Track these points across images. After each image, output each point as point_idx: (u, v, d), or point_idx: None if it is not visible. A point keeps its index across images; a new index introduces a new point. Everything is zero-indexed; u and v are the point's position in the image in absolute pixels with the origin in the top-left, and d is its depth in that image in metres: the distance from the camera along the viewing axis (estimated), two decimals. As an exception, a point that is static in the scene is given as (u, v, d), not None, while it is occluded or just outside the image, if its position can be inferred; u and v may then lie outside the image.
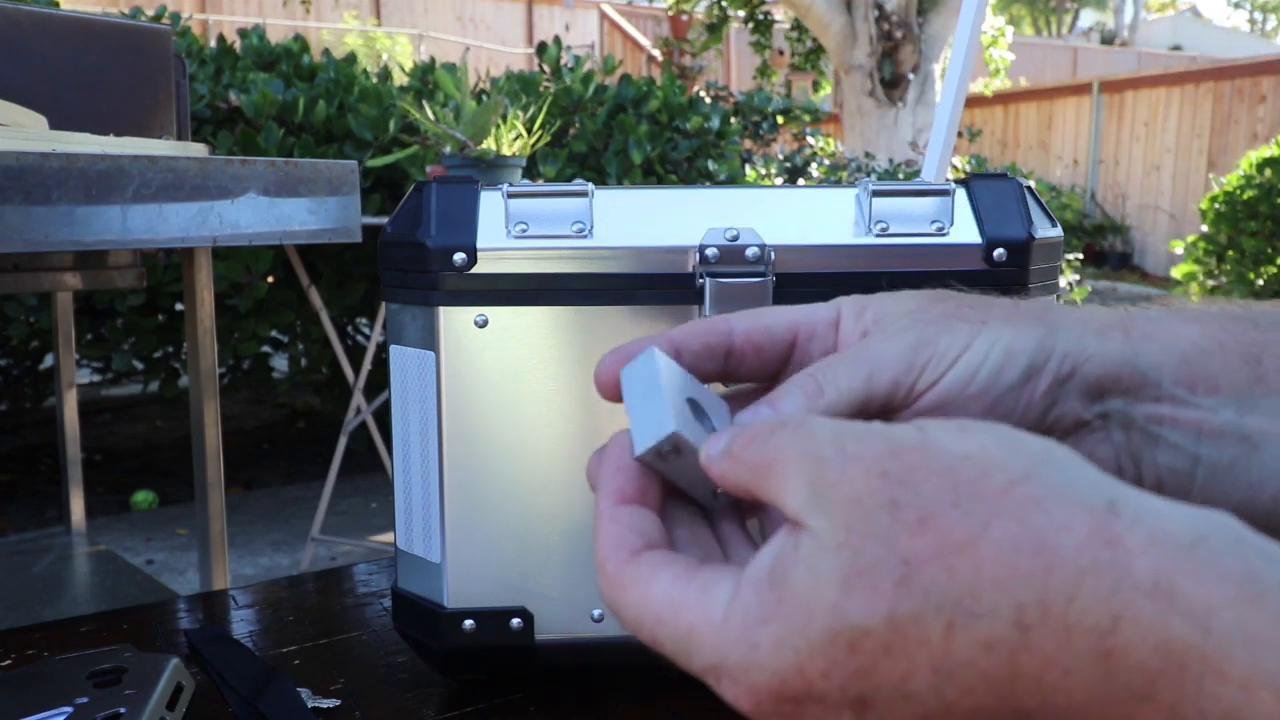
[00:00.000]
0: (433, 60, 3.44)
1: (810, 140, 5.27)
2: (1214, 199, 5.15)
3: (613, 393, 0.36)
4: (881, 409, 0.34)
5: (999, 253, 0.59)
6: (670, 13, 8.78)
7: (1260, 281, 4.87)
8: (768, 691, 0.27)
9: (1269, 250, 4.91)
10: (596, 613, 0.61)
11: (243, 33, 3.26)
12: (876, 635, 0.25)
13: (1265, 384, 0.34)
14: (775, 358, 0.37)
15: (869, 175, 4.57)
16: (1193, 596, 0.23)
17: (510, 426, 0.60)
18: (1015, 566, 0.24)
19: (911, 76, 6.71)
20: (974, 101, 10.09)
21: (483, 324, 0.59)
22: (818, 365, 0.35)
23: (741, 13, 8.05)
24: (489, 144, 1.92)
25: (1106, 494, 0.25)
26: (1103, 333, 0.35)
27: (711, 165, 3.49)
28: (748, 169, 4.45)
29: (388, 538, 2.81)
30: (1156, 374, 0.34)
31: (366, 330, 3.69)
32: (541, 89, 3.28)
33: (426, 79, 3.22)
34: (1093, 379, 0.34)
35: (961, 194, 0.62)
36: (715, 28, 8.23)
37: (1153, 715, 0.23)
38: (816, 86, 8.13)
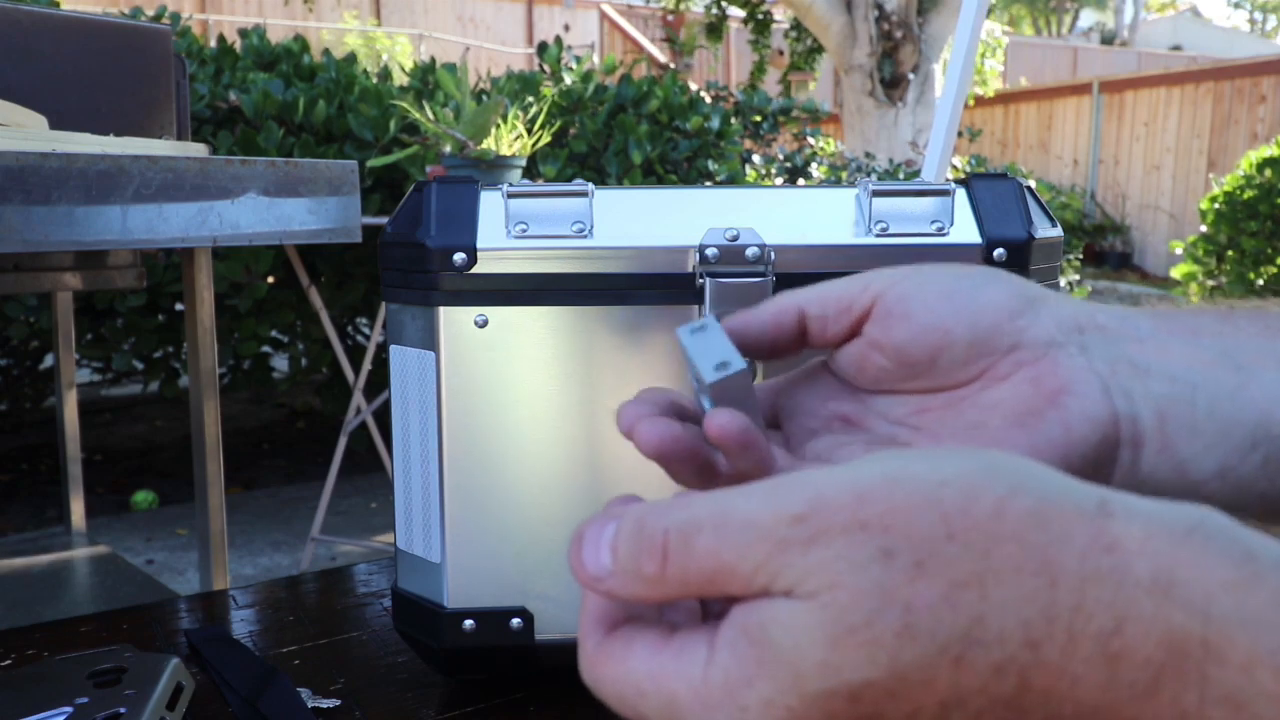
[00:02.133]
0: (433, 60, 3.44)
1: (810, 140, 5.27)
2: (1214, 199, 5.15)
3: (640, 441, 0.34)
4: (837, 307, 0.37)
5: (999, 253, 0.59)
6: (662, 12, 8.78)
7: (1260, 281, 4.87)
8: None
9: (1269, 250, 4.91)
10: (596, 613, 0.61)
11: (243, 33, 3.26)
12: (879, 685, 0.24)
13: (1243, 332, 0.35)
14: (846, 328, 0.38)
15: (869, 175, 4.57)
16: (1191, 585, 0.23)
17: (510, 426, 0.60)
18: (1020, 587, 0.24)
19: (911, 76, 6.71)
20: (974, 101, 10.09)
21: (483, 324, 0.59)
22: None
23: (741, 13, 8.05)
24: (489, 144, 1.92)
25: (1095, 496, 0.25)
26: (1071, 304, 0.37)
27: (711, 165, 3.49)
28: (748, 169, 4.45)
29: (388, 538, 2.81)
30: (1133, 323, 0.36)
31: (366, 330, 3.69)
32: (541, 89, 3.28)
33: (426, 79, 3.22)
34: (1065, 312, 0.36)
35: (961, 194, 0.62)
36: (715, 28, 8.23)
37: (1157, 711, 0.23)
38: (801, 85, 8.12)
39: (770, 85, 7.67)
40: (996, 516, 0.24)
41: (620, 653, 0.28)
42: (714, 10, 8.15)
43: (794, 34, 7.96)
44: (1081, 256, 6.60)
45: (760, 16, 7.95)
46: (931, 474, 0.25)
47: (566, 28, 12.37)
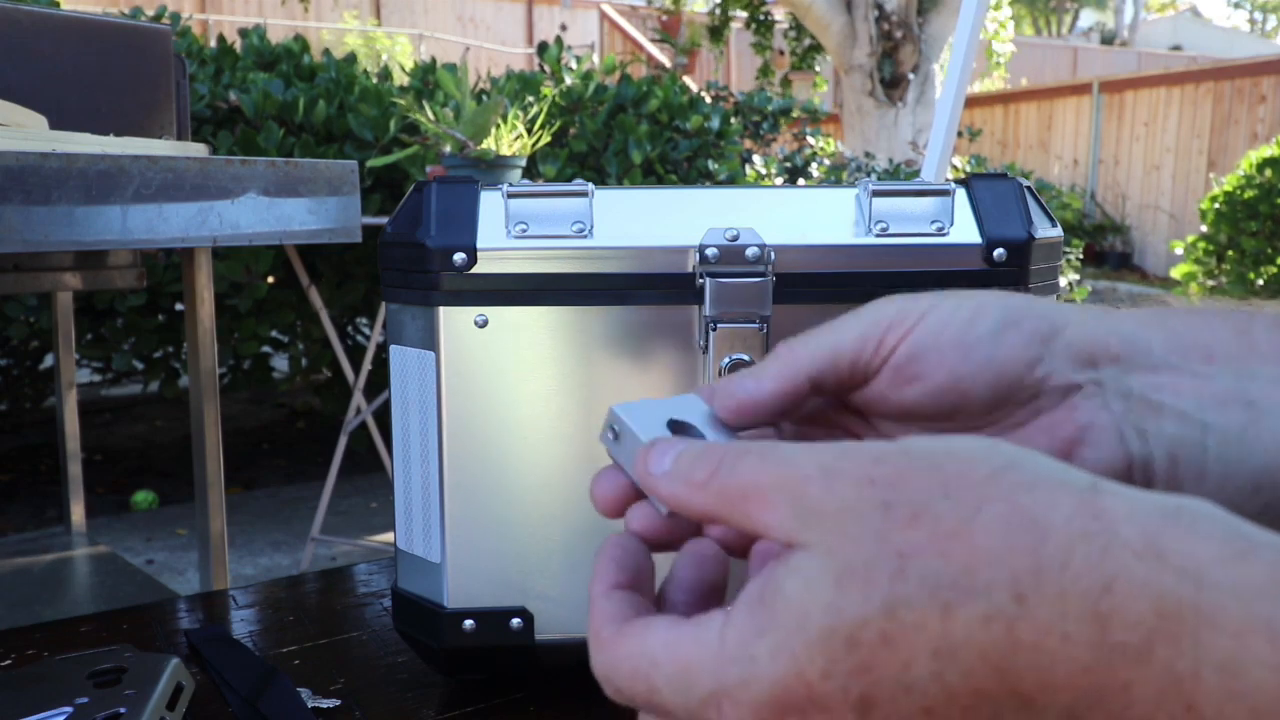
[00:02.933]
0: (433, 60, 3.44)
1: (810, 140, 5.27)
2: (1214, 199, 5.15)
3: (612, 510, 0.34)
4: (851, 368, 0.35)
5: (999, 252, 0.59)
6: (659, 12, 8.78)
7: (1260, 281, 4.87)
8: (770, 704, 0.26)
9: (1269, 250, 4.91)
10: (596, 613, 0.61)
11: (243, 33, 3.26)
12: (874, 626, 0.25)
13: (1258, 353, 0.34)
14: (856, 375, 0.37)
15: (869, 175, 4.57)
16: (1183, 554, 0.23)
17: (510, 426, 0.60)
18: (1009, 541, 0.25)
19: (911, 76, 6.71)
20: (974, 101, 10.09)
21: (483, 324, 0.59)
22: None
23: (744, 14, 8.06)
24: (489, 144, 1.92)
25: (1088, 478, 0.26)
26: (1082, 309, 0.35)
27: (711, 165, 3.49)
28: (748, 169, 4.45)
29: (388, 538, 2.81)
30: (1145, 343, 0.34)
31: (366, 330, 3.69)
32: (541, 89, 3.28)
33: (426, 79, 3.22)
34: (1079, 344, 0.34)
35: (961, 194, 0.62)
36: (718, 30, 8.24)
37: (1150, 678, 0.23)
38: (804, 87, 8.12)
39: (775, 86, 7.67)
40: (991, 480, 0.26)
41: (640, 631, 0.29)
42: (717, 13, 8.16)
43: (793, 33, 7.97)
44: (1081, 256, 6.60)
45: (762, 18, 7.96)
46: (939, 446, 0.27)
47: (564, 27, 12.37)
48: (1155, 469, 0.34)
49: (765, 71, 7.86)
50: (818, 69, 8.25)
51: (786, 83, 7.90)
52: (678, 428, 0.34)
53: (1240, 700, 0.22)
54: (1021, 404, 0.35)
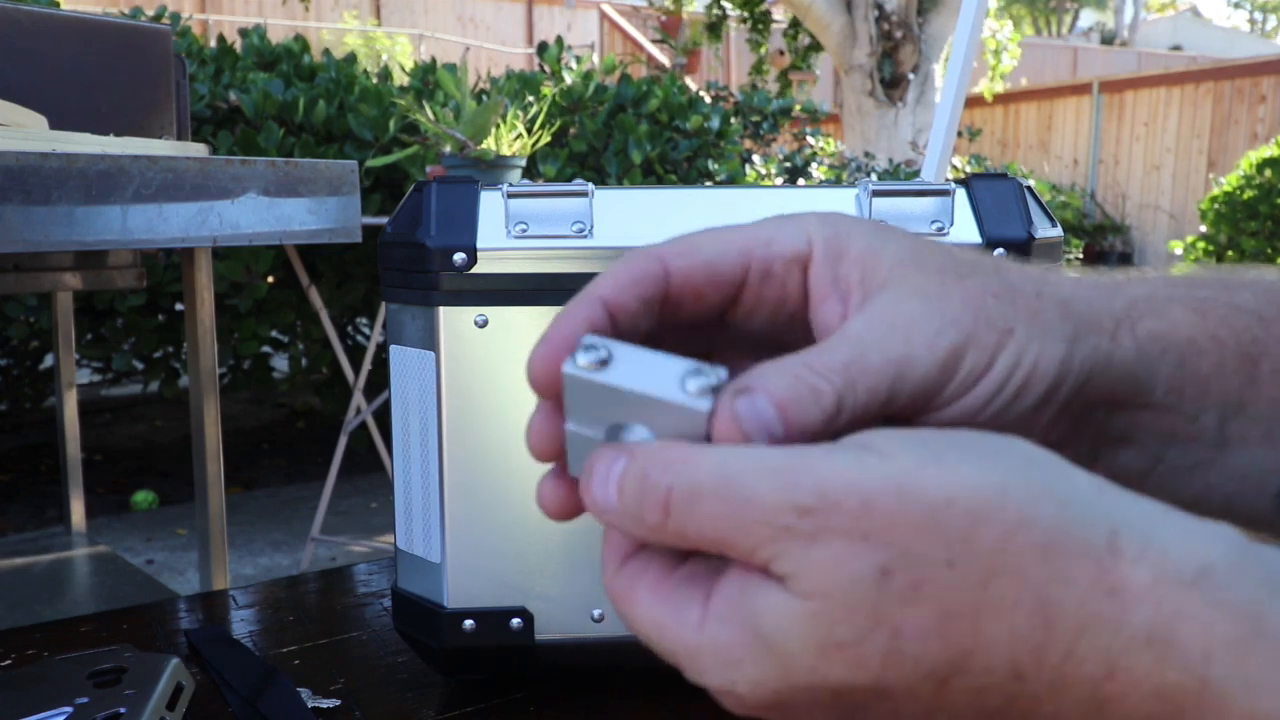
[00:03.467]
0: (433, 60, 3.44)
1: (810, 140, 5.27)
2: (1214, 199, 5.15)
3: (546, 389, 0.31)
4: (885, 416, 0.30)
5: (999, 252, 0.59)
6: (658, 11, 8.78)
7: (1260, 281, 4.87)
8: (754, 708, 0.26)
9: (1269, 250, 4.91)
10: (596, 613, 0.61)
11: (243, 33, 3.26)
12: (863, 690, 0.25)
13: (1257, 387, 0.33)
14: (719, 301, 0.32)
15: (869, 175, 4.58)
16: (1190, 643, 0.23)
17: (510, 426, 0.60)
18: (1014, 626, 0.23)
19: (911, 76, 6.71)
20: (974, 101, 10.09)
21: (483, 324, 0.59)
22: (835, 365, 0.29)
23: (740, 12, 8.05)
24: (489, 144, 1.92)
25: (1107, 526, 0.24)
26: (1114, 334, 0.32)
27: (711, 165, 3.49)
28: (748, 169, 4.45)
29: (388, 538, 2.81)
30: (1151, 382, 0.32)
31: (366, 330, 3.69)
32: (541, 89, 3.28)
33: (426, 79, 3.22)
34: (1093, 396, 0.32)
35: (961, 194, 0.62)
36: (715, 27, 8.23)
37: None
38: (801, 86, 8.11)
39: (768, 84, 7.67)
40: (1000, 549, 0.24)
41: (629, 590, 0.28)
42: (715, 10, 8.15)
43: (791, 31, 7.96)
44: (1081, 256, 6.60)
45: (758, 16, 7.95)
46: (940, 489, 0.24)
47: (569, 27, 12.37)
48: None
49: (759, 68, 7.85)
50: (816, 70, 8.25)
51: (786, 81, 7.90)
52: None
53: None
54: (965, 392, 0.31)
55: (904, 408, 0.29)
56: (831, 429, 0.28)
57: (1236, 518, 0.33)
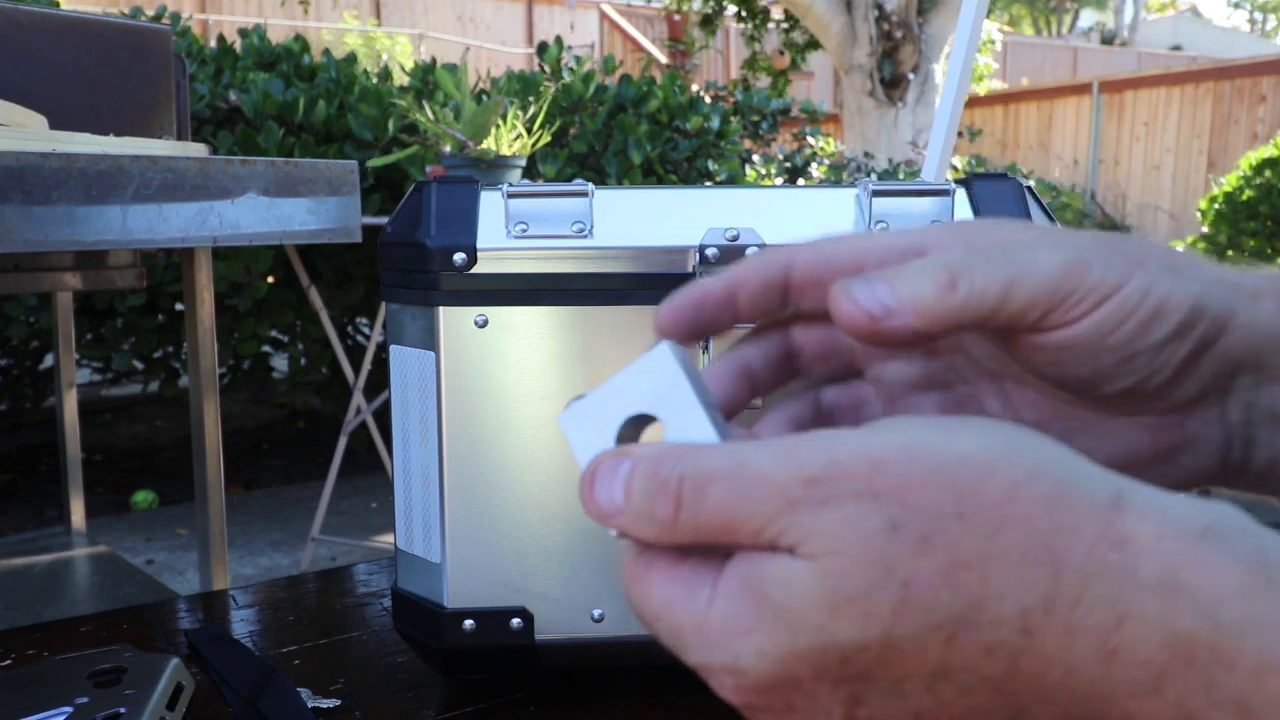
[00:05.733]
0: (433, 60, 3.44)
1: (810, 140, 5.27)
2: (1214, 199, 5.15)
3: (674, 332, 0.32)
4: (1004, 326, 0.30)
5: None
6: (665, 12, 8.78)
7: (1260, 281, 4.87)
8: (754, 690, 0.26)
9: (1269, 250, 4.91)
10: (596, 613, 0.61)
11: (243, 33, 3.26)
12: (871, 651, 0.24)
13: None
14: None
15: (869, 175, 4.58)
16: (1200, 588, 0.23)
17: (510, 426, 0.60)
18: (1022, 575, 0.23)
19: (911, 76, 6.71)
20: (974, 101, 10.09)
21: (483, 324, 0.59)
22: (948, 253, 0.30)
23: (734, 7, 8.04)
24: (489, 144, 1.92)
25: (1112, 488, 0.24)
26: (1256, 297, 0.31)
27: (711, 165, 3.49)
28: (747, 169, 4.45)
29: (388, 538, 2.81)
30: None
31: (366, 330, 3.69)
32: (542, 89, 3.28)
33: (426, 79, 3.22)
34: (1234, 352, 0.31)
35: (961, 194, 0.62)
36: (710, 20, 8.22)
37: (1158, 709, 0.23)
38: (788, 84, 8.08)
39: (763, 82, 7.66)
40: (1008, 499, 0.24)
41: (643, 574, 0.28)
42: (710, 4, 8.14)
43: (787, 25, 7.95)
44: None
45: (756, 13, 7.95)
46: (949, 449, 0.25)
47: (571, 27, 12.37)
48: (1251, 470, 0.32)
49: (752, 64, 7.84)
50: (812, 69, 8.24)
51: (783, 79, 7.89)
52: (636, 425, 0.30)
53: None
54: (1141, 399, 0.31)
55: (1024, 312, 0.29)
56: (949, 314, 0.28)
57: None
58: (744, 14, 7.93)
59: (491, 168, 1.90)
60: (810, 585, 0.24)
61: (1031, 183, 0.64)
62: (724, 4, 8.12)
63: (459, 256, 0.58)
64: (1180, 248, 5.14)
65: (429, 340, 0.60)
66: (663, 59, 8.92)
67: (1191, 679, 0.22)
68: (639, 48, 9.87)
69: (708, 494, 0.26)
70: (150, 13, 3.55)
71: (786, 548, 0.25)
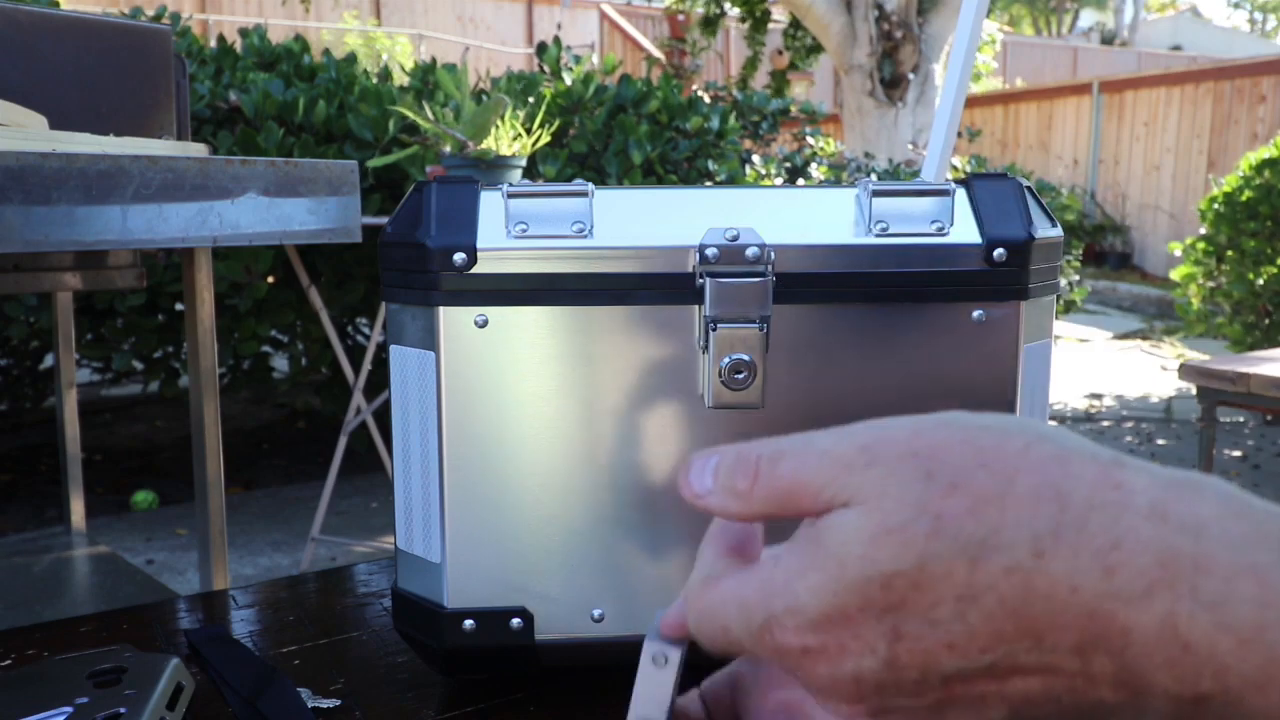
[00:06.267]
0: (433, 60, 3.44)
1: (810, 140, 5.27)
2: (1213, 200, 5.14)
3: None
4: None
5: (999, 253, 0.59)
6: (669, 12, 8.78)
7: (1260, 282, 4.87)
8: (810, 627, 0.30)
9: (1269, 250, 4.90)
10: (596, 613, 0.61)
11: (243, 33, 3.26)
12: (907, 576, 0.28)
13: None
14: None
15: (869, 175, 4.57)
16: (1184, 516, 0.27)
17: (510, 426, 0.60)
18: (1035, 509, 0.28)
19: (911, 76, 6.71)
20: (974, 101, 10.09)
21: (483, 324, 0.59)
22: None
23: (737, 10, 8.04)
24: (489, 144, 1.92)
25: (1112, 453, 0.30)
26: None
27: (711, 165, 3.49)
28: (748, 169, 4.45)
29: (388, 538, 2.81)
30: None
31: (366, 330, 3.69)
32: (541, 89, 3.28)
33: (426, 79, 3.22)
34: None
35: (961, 194, 0.62)
36: (711, 22, 8.22)
37: (1149, 623, 0.27)
38: (788, 85, 8.08)
39: (760, 81, 7.66)
40: (1023, 454, 0.29)
41: (715, 585, 0.33)
42: (712, 7, 8.14)
43: (791, 30, 7.95)
44: (1081, 256, 6.59)
45: (758, 14, 7.95)
46: (975, 420, 0.31)
47: (561, 26, 12.36)
48: None
49: (753, 65, 7.84)
50: (813, 70, 8.25)
51: (784, 81, 7.89)
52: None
53: (1227, 631, 0.26)
54: None
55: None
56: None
57: None
58: (746, 16, 7.93)
59: (491, 168, 1.90)
60: (857, 524, 0.29)
61: (1031, 183, 0.64)
62: (724, 7, 8.12)
63: (459, 256, 0.58)
64: (1178, 249, 5.14)
65: (429, 340, 0.60)
66: (660, 56, 8.92)
67: (1178, 587, 0.27)
68: (639, 47, 9.87)
69: (779, 465, 0.32)
70: (150, 13, 3.55)
71: (841, 504, 0.30)
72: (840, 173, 4.75)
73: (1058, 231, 0.62)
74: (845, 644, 0.30)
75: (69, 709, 0.56)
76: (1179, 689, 0.27)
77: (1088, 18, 27.59)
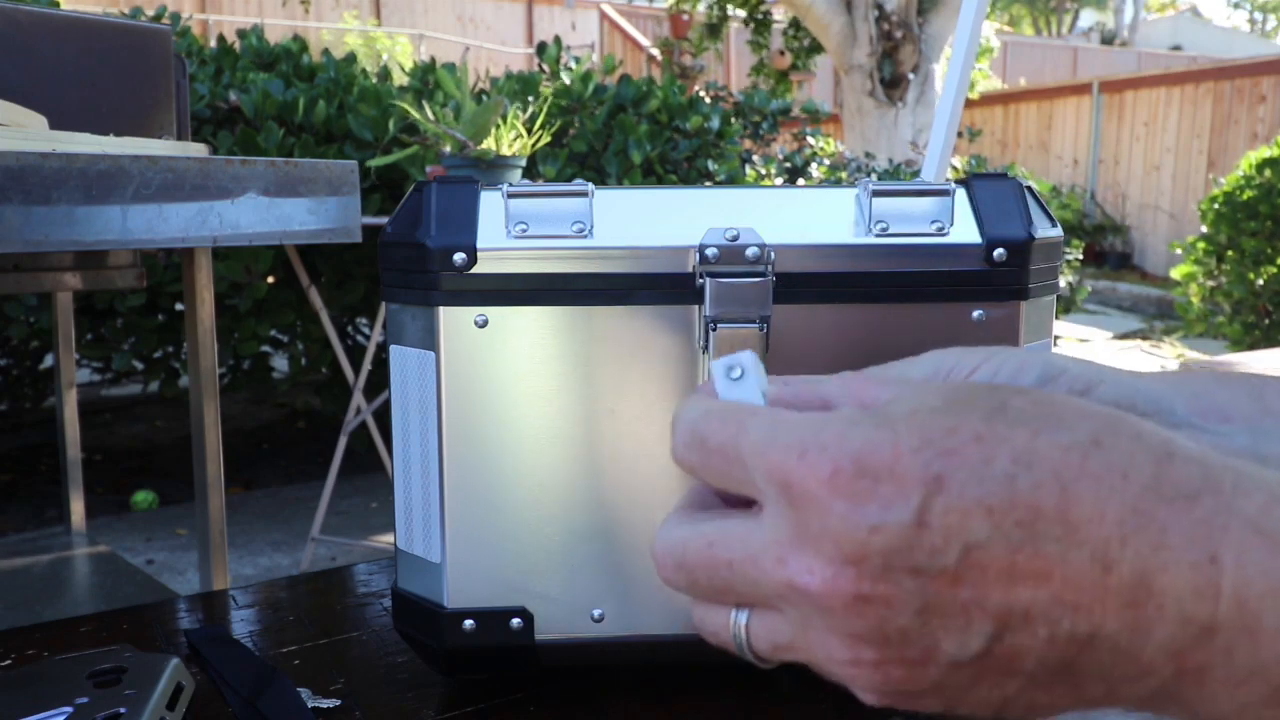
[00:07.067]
0: (433, 60, 3.44)
1: (810, 140, 5.27)
2: (1213, 199, 5.14)
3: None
4: None
5: (999, 253, 0.59)
6: (671, 12, 8.78)
7: (1260, 281, 4.87)
8: (853, 459, 0.29)
9: (1269, 250, 4.90)
10: (596, 613, 0.61)
11: (242, 33, 3.26)
12: (971, 427, 0.29)
13: (1273, 415, 0.37)
14: None
15: (869, 175, 4.57)
16: (1213, 459, 0.29)
17: (510, 426, 0.60)
18: (1093, 416, 0.30)
19: (911, 76, 6.71)
20: (974, 101, 10.08)
21: (483, 324, 0.59)
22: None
23: (741, 12, 8.05)
24: (489, 144, 1.92)
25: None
26: (1114, 370, 0.38)
27: (711, 165, 3.49)
28: (748, 169, 4.45)
29: (388, 538, 2.81)
30: (1169, 403, 0.37)
31: (366, 330, 3.69)
32: (541, 89, 3.28)
33: (426, 79, 3.22)
34: (1110, 400, 0.36)
35: (961, 194, 0.62)
36: (715, 28, 8.23)
37: (1185, 524, 0.27)
38: (793, 85, 8.09)
39: (765, 84, 7.67)
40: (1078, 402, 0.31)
41: (685, 518, 0.33)
42: (715, 10, 8.15)
43: (792, 31, 7.96)
44: (1081, 256, 6.59)
45: (760, 17, 7.95)
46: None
47: (573, 26, 12.36)
48: None
49: (759, 69, 7.85)
50: (814, 70, 8.25)
51: (784, 81, 7.89)
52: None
53: (1257, 551, 0.27)
54: None
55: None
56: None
57: None
58: (749, 19, 7.93)
59: (491, 168, 1.90)
60: (928, 396, 0.31)
61: (1031, 183, 0.64)
62: (727, 12, 8.12)
63: (459, 256, 0.58)
64: (1178, 249, 5.14)
65: (429, 340, 0.60)
66: (660, 56, 8.91)
67: (1219, 500, 0.28)
68: (639, 47, 9.87)
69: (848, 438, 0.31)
70: (150, 13, 3.55)
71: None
72: (840, 173, 4.75)
73: (1058, 231, 0.62)
74: (877, 488, 0.28)
75: (69, 709, 0.56)
76: (1194, 608, 0.27)
77: (1088, 18, 27.59)
